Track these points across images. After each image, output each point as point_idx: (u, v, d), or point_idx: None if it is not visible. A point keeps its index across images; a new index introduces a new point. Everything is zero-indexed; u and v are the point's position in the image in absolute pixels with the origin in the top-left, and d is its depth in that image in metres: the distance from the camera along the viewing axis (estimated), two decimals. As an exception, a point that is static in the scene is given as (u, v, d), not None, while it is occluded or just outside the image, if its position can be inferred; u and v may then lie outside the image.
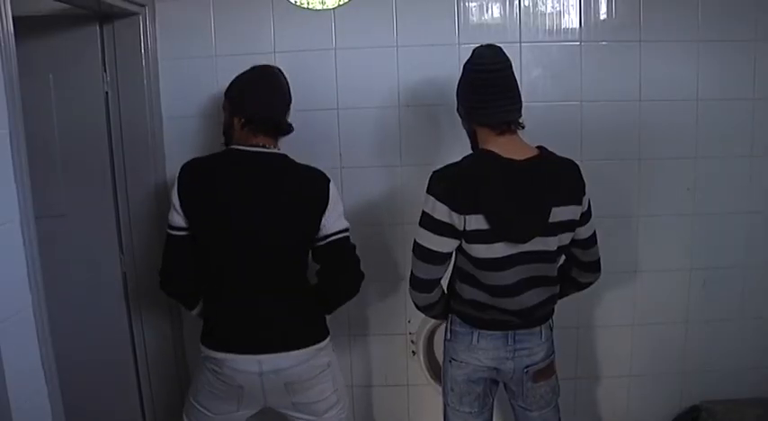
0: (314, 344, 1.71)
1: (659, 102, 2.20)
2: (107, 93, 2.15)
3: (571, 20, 2.18)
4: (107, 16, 2.10)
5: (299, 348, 1.68)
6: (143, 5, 2.11)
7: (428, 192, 1.55)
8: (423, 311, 1.74)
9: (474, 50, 1.59)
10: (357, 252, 1.76)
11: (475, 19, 2.18)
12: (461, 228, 1.52)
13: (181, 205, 1.65)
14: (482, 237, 1.51)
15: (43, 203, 1.70)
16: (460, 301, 1.66)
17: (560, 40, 2.19)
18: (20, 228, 1.42)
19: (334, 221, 1.69)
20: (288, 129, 1.74)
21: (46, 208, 1.87)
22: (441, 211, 1.51)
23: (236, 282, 1.68)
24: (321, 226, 1.68)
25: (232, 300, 1.69)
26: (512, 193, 1.50)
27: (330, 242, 1.69)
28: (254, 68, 1.76)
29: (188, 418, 1.80)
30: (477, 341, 1.65)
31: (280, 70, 1.78)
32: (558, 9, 2.18)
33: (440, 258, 1.57)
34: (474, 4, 2.17)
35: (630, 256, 2.29)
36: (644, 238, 2.29)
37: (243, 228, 1.63)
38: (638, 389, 2.41)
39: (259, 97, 1.69)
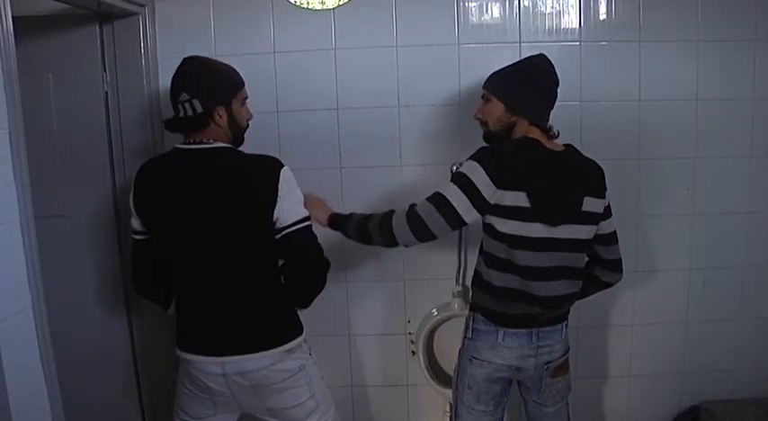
0: (280, 345, 1.62)
1: (659, 102, 2.20)
2: (107, 93, 2.15)
3: (571, 20, 2.18)
4: (107, 16, 2.10)
5: (263, 350, 1.60)
6: (143, 5, 2.11)
7: (472, 158, 1.59)
8: (380, 237, 1.65)
9: (541, 56, 1.72)
10: (320, 241, 1.65)
11: (475, 19, 2.18)
12: (492, 203, 1.55)
13: (135, 208, 1.64)
14: (520, 215, 1.56)
15: (43, 203, 1.70)
16: (489, 292, 1.65)
17: (560, 40, 2.19)
18: (20, 228, 1.42)
19: (287, 211, 1.56)
20: (200, 117, 1.57)
21: (46, 208, 1.87)
22: (480, 178, 1.55)
23: (194, 284, 1.63)
24: (275, 219, 1.56)
25: (193, 302, 1.66)
26: (552, 176, 1.57)
27: (286, 235, 1.57)
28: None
29: None
30: (503, 339, 1.66)
31: (197, 59, 1.65)
32: (557, 9, 2.18)
33: (450, 215, 1.55)
34: (474, 4, 2.17)
35: (630, 256, 2.26)
36: (643, 238, 2.29)
37: (189, 230, 1.57)
38: (638, 389, 2.41)
39: (171, 93, 1.61)
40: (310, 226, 1.63)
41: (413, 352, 2.34)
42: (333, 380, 2.40)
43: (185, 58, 1.66)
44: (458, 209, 1.55)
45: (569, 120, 2.19)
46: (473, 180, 1.55)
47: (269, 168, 1.58)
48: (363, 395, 2.43)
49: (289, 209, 1.57)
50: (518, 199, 1.55)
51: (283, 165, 1.59)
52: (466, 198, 1.55)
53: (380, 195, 2.26)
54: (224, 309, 1.62)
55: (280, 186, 1.56)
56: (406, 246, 1.64)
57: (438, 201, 1.57)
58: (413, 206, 1.62)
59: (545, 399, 1.75)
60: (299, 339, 1.68)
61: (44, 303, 1.48)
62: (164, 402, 2.34)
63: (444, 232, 1.60)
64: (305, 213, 1.61)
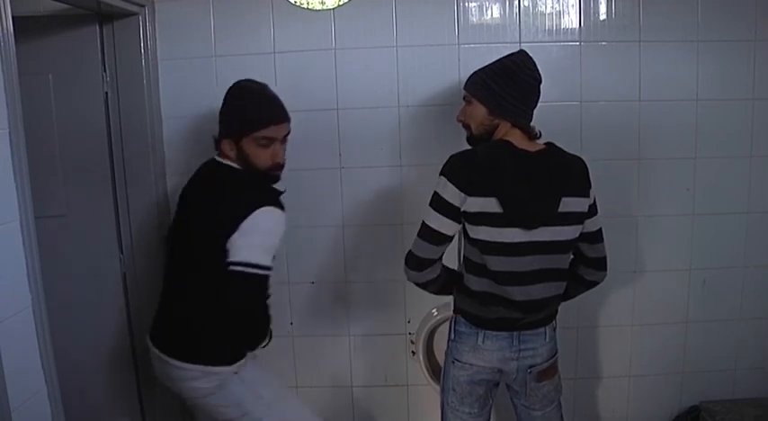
0: (198, 363, 1.66)
1: (659, 102, 2.20)
2: (107, 93, 2.15)
3: (571, 20, 2.18)
4: (107, 16, 2.10)
5: (182, 360, 1.67)
6: (143, 5, 2.11)
7: (441, 171, 1.59)
8: (423, 288, 1.72)
9: (521, 53, 1.65)
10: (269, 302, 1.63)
11: (475, 19, 2.18)
12: (462, 210, 1.56)
13: None
14: (494, 220, 1.54)
15: (43, 203, 1.70)
16: (468, 295, 1.65)
17: (560, 40, 2.19)
18: (20, 228, 1.42)
19: (238, 249, 1.53)
20: (215, 141, 1.77)
21: (46, 208, 1.87)
22: (451, 193, 1.55)
23: (164, 283, 1.81)
24: (227, 247, 1.54)
25: (162, 298, 1.82)
26: (525, 180, 1.54)
27: (228, 268, 1.54)
28: None
29: None
30: (483, 341, 1.66)
31: (238, 86, 1.77)
32: (557, 9, 2.18)
33: (438, 238, 1.59)
34: (474, 4, 2.17)
35: (630, 256, 2.29)
36: (644, 238, 2.29)
37: (175, 235, 1.78)
38: (638, 389, 2.41)
39: None
40: (255, 275, 1.54)
41: (413, 352, 2.34)
42: (333, 381, 2.41)
43: (236, 82, 1.76)
44: (441, 231, 1.59)
45: (569, 120, 2.20)
46: (444, 196, 1.56)
47: (248, 203, 1.57)
48: (363, 395, 2.43)
49: (241, 246, 1.54)
50: (489, 205, 1.53)
51: (262, 207, 1.56)
52: (444, 217, 1.57)
53: (380, 195, 2.26)
54: (169, 311, 1.76)
55: (246, 222, 1.54)
56: (427, 283, 1.68)
57: (423, 231, 1.61)
58: (409, 251, 1.64)
59: (532, 403, 1.74)
60: (223, 367, 1.68)
61: (44, 303, 1.48)
62: (164, 402, 2.34)
63: (439, 252, 1.62)
64: (255, 260, 1.53)
